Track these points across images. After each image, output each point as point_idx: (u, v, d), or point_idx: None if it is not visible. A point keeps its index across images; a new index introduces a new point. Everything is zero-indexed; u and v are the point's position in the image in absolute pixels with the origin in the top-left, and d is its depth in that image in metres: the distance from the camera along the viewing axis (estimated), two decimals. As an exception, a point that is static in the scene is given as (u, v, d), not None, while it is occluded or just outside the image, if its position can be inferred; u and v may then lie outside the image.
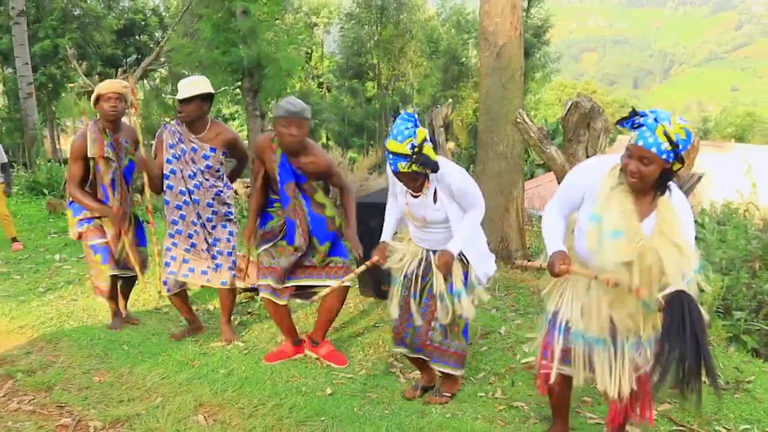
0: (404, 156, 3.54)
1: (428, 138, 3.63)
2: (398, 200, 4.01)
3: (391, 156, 3.59)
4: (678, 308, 2.67)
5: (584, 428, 3.73)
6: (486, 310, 5.67)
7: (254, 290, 6.05)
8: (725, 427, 3.74)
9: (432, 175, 3.74)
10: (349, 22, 36.50)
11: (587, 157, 5.48)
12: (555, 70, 32.67)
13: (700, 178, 5.07)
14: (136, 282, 5.49)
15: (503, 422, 3.80)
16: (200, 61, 14.55)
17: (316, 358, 4.73)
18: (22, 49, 16.13)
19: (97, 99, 4.96)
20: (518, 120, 6.13)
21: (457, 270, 3.86)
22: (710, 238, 6.99)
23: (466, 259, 3.89)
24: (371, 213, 5.23)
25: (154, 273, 5.59)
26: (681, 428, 3.72)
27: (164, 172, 4.79)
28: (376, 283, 5.82)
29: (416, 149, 3.53)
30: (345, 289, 4.64)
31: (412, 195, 3.84)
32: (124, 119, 5.17)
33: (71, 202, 5.19)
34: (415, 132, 3.55)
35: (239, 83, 15.31)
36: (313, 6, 42.49)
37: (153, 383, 4.14)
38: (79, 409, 3.78)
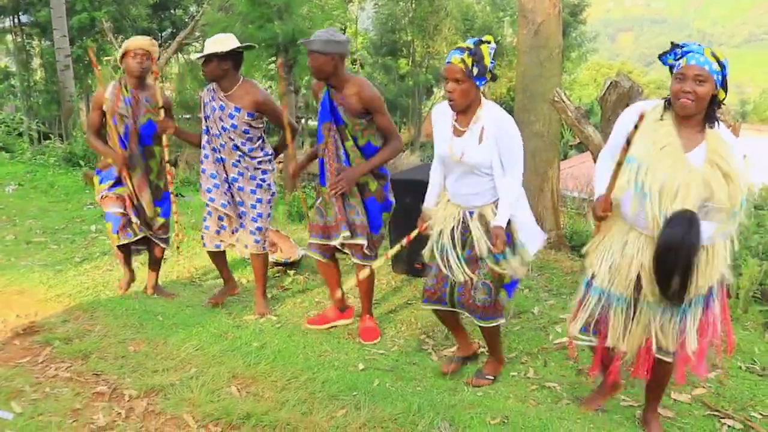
0: (462, 48, 3.54)
1: (491, 45, 3.60)
2: (440, 146, 3.86)
3: (451, 51, 3.59)
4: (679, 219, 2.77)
5: (617, 411, 3.70)
6: (519, 290, 5.65)
7: (286, 265, 6.08)
8: (761, 413, 3.70)
9: (482, 111, 3.66)
10: (383, -2, 36.31)
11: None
12: (591, 49, 32.28)
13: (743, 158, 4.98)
14: (164, 258, 5.55)
15: (535, 402, 3.78)
16: (235, 36, 14.54)
17: (349, 333, 4.75)
18: (60, 21, 16.26)
19: (124, 55, 4.99)
20: (556, 99, 6.06)
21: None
22: (748, 222, 6.88)
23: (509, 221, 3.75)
24: (404, 190, 5.22)
25: (182, 245, 5.64)
26: (715, 413, 3.68)
27: (203, 128, 4.90)
28: (409, 260, 5.81)
29: (477, 43, 3.54)
30: (365, 268, 4.53)
31: (456, 131, 3.75)
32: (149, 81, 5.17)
33: (98, 170, 5.27)
34: (484, 37, 3.60)
35: (274, 58, 15.29)
36: (348, -18, 42.29)
37: (187, 354, 4.18)
38: (114, 377, 3.83)
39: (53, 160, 12.78)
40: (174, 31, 28.26)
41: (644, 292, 3.07)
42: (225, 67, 4.73)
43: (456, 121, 3.76)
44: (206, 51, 4.68)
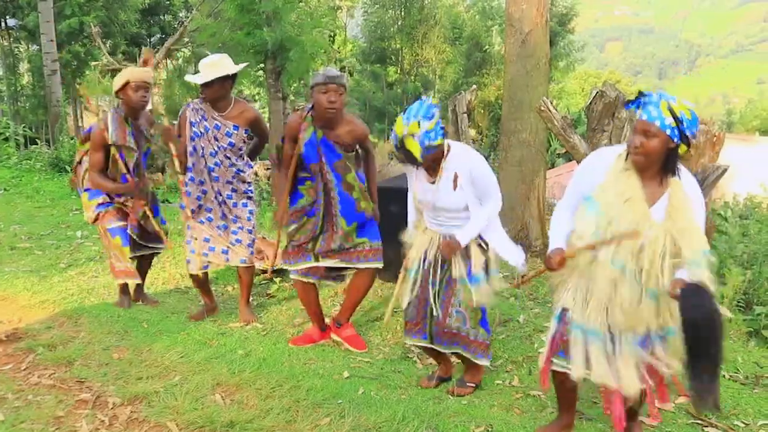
0: (397, 137, 3.58)
1: (417, 135, 3.51)
2: (414, 192, 3.94)
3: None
4: (697, 306, 2.67)
5: (601, 419, 3.71)
6: (505, 299, 5.66)
7: (273, 272, 6.07)
8: (743, 422, 3.71)
9: (448, 161, 3.70)
10: (372, 6, 36.29)
11: (611, 147, 5.43)
12: (579, 59, 32.37)
13: (724, 170, 5.01)
14: (152, 263, 5.53)
15: (520, 411, 3.79)
16: (224, 42, 14.57)
17: (334, 341, 4.74)
18: (47, 26, 16.20)
19: (124, 86, 4.90)
20: (542, 108, 6.08)
21: (477, 256, 3.81)
22: (732, 231, 6.93)
23: (485, 245, 3.84)
24: (391, 198, 5.22)
25: (167, 251, 5.61)
26: (699, 422, 3.70)
27: (188, 149, 4.81)
28: (393, 267, 5.80)
29: (399, 142, 3.57)
30: (373, 272, 4.65)
31: (427, 181, 3.80)
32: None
33: (87, 188, 5.22)
34: (408, 125, 3.52)
35: (262, 65, 15.29)
36: (337, -11, 42.35)
37: (171, 361, 4.18)
38: (98, 384, 3.82)
39: (39, 165, 12.74)
40: (163, 36, 28.21)
41: (617, 327, 3.02)
42: (227, 88, 4.76)
43: (425, 172, 3.82)
44: (211, 75, 4.64)
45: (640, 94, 2.88)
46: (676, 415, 3.76)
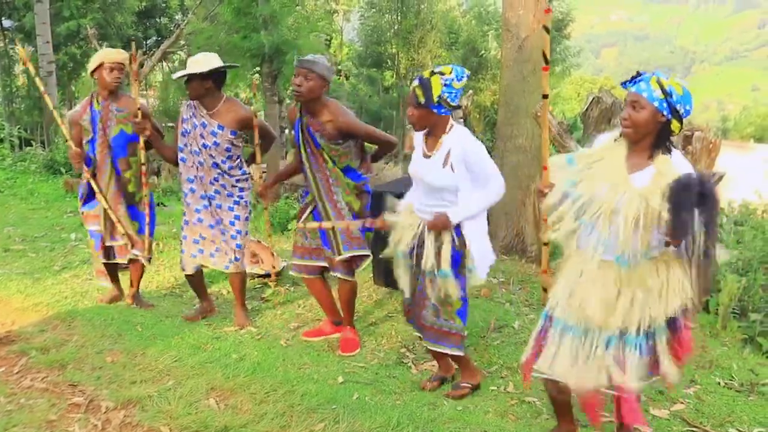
0: (420, 77, 3.63)
1: (448, 78, 3.60)
2: (412, 164, 3.95)
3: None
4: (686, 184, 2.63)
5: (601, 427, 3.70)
6: (500, 304, 5.66)
7: (267, 276, 6.05)
8: (738, 429, 3.72)
9: (447, 136, 3.72)
10: (369, 10, 36.34)
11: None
12: (575, 64, 32.45)
13: (721, 177, 5.02)
14: (145, 269, 5.51)
15: (515, 417, 3.78)
16: (220, 46, 14.55)
17: (328, 345, 4.73)
18: (43, 28, 16.17)
19: (98, 67, 4.96)
20: (539, 113, 6.08)
21: (446, 251, 3.76)
22: (727, 238, 6.93)
23: (463, 242, 3.78)
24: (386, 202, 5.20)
25: (162, 255, 5.59)
26: (694, 429, 3.69)
27: (179, 145, 4.86)
28: (387, 272, 5.79)
29: (431, 74, 3.61)
30: (348, 282, 4.67)
31: (423, 155, 3.81)
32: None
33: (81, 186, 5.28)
34: (442, 68, 3.62)
35: (258, 68, 15.30)
36: (333, -8, 42.38)
37: (165, 365, 4.16)
38: (91, 388, 3.80)
39: (34, 167, 12.71)
40: (159, 39, 28.16)
41: (592, 321, 2.97)
42: (207, 86, 4.73)
43: (425, 144, 3.84)
44: (187, 71, 4.67)
45: (637, 73, 2.91)
46: (671, 423, 3.76)
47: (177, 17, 29.06)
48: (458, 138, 3.71)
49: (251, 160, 5.14)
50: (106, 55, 4.98)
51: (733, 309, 5.55)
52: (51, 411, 3.52)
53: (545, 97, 3.18)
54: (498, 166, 7.35)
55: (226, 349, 4.47)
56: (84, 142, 5.08)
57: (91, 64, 5.01)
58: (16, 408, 3.54)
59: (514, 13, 7.73)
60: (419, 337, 4.19)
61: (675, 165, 2.82)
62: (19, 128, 16.14)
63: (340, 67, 38.28)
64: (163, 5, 29.06)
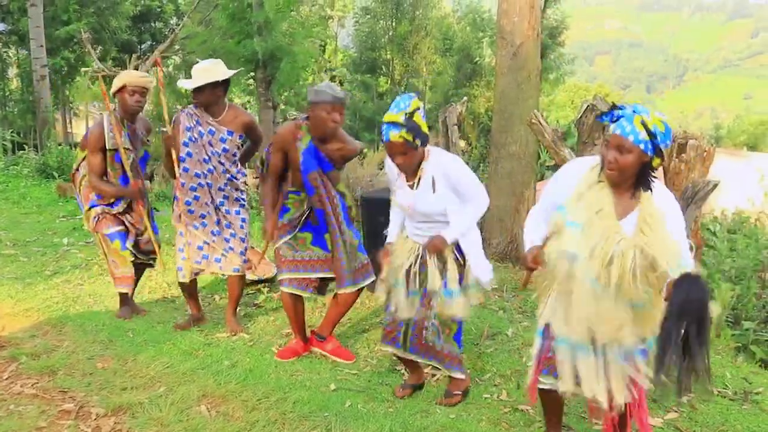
0: (396, 124, 3.53)
1: (420, 109, 3.60)
2: (395, 194, 3.94)
3: (385, 127, 3.59)
4: (683, 287, 2.62)
5: (590, 434, 3.70)
6: (493, 312, 5.64)
7: (260, 282, 6.03)
8: (732, 438, 3.70)
9: (427, 163, 3.71)
10: (364, 16, 36.44)
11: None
12: (569, 72, 32.52)
13: (715, 185, 5.02)
14: (142, 273, 5.48)
15: (508, 425, 3.77)
16: (214, 50, 14.55)
17: (321, 354, 4.70)
18: (37, 32, 16.15)
19: (120, 89, 4.91)
20: (533, 120, 6.09)
21: (452, 270, 3.80)
22: (720, 246, 6.94)
23: (462, 259, 3.83)
24: (378, 209, 5.19)
25: (162, 258, 5.54)
26: (688, 438, 3.68)
27: (181, 155, 4.77)
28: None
29: (408, 116, 3.53)
30: (360, 288, 4.65)
31: (407, 185, 3.80)
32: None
33: (92, 202, 5.14)
34: (409, 103, 3.56)
35: (252, 74, 15.30)
36: (328, -1, 42.46)
37: (157, 372, 4.13)
38: (81, 395, 3.77)
39: (27, 171, 12.65)
40: (153, 43, 28.16)
41: (598, 339, 2.99)
42: (219, 94, 4.74)
43: (403, 174, 3.82)
44: (202, 81, 4.63)
45: (614, 107, 2.86)
46: (664, 431, 3.74)
47: (172, 22, 29.07)
48: (437, 162, 3.72)
49: (244, 160, 5.12)
50: (129, 77, 4.92)
51: (727, 317, 5.55)
52: (41, 417, 3.48)
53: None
54: (492, 173, 7.39)
55: (218, 356, 4.45)
56: (125, 165, 5.01)
57: (114, 86, 4.94)
58: (5, 414, 3.50)
59: (509, 20, 7.74)
60: (395, 355, 4.14)
61: (659, 205, 2.84)
62: (11, 132, 16.06)
63: (334, 73, 38.32)
64: (158, 10, 29.09)
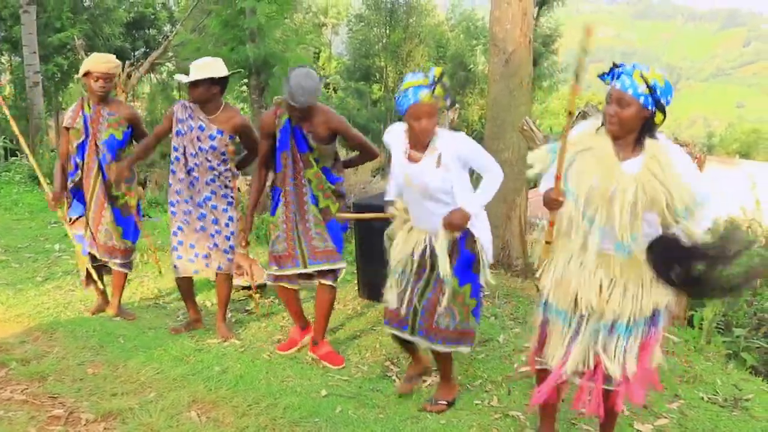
0: (425, 85, 3.50)
1: (444, 73, 3.59)
2: (397, 172, 3.87)
3: (410, 90, 3.51)
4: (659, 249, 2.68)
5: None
6: (485, 318, 5.64)
7: (256, 287, 6.03)
8: (722, 445, 3.71)
9: (436, 140, 3.66)
10: (357, 23, 36.53)
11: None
12: (563, 79, 32.58)
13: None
14: (128, 280, 5.49)
15: (498, 431, 3.77)
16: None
17: (313, 359, 4.70)
18: (30, 38, 16.11)
19: (86, 74, 4.98)
20: (524, 127, 6.11)
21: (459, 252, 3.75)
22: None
23: (473, 239, 3.76)
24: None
25: (147, 266, 5.53)
26: (677, 444, 3.69)
27: (174, 144, 4.84)
28: (372, 286, 5.77)
29: (436, 77, 3.51)
30: (333, 290, 4.68)
31: (411, 158, 3.73)
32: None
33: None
34: (432, 70, 3.55)
35: (246, 80, 15.30)
36: (321, 6, 42.51)
37: (147, 377, 4.13)
38: (71, 400, 3.76)
39: (19, 177, 12.60)
40: (147, 50, 28.11)
41: (581, 307, 3.03)
42: (214, 92, 4.74)
43: (411, 149, 3.76)
44: (199, 75, 4.63)
45: (614, 65, 2.93)
46: (654, 437, 3.75)
47: (165, 28, 29.03)
48: (448, 140, 3.67)
49: (242, 165, 5.14)
50: (94, 64, 4.96)
51: (717, 324, 5.57)
52: (30, 423, 3.48)
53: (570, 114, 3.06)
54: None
55: (209, 362, 4.44)
56: (74, 145, 5.07)
57: (81, 70, 5.02)
58: (-6, 420, 3.50)
59: (501, 27, 7.77)
60: (396, 337, 4.05)
61: (664, 147, 2.88)
62: (4, 138, 16.00)
63: (328, 81, 38.34)
64: (152, 17, 29.03)
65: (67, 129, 5.12)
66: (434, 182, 3.65)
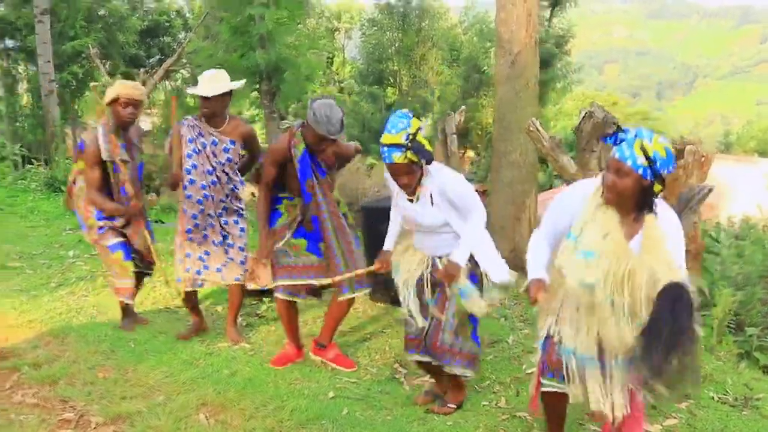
0: (399, 146, 3.52)
1: (422, 128, 3.60)
2: (397, 206, 3.98)
3: (386, 149, 3.56)
4: (669, 295, 2.67)
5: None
6: (494, 319, 5.65)
7: (263, 293, 6.05)
8: (731, 444, 3.70)
9: (426, 179, 3.72)
10: (371, 28, 36.53)
11: (600, 168, 5.44)
12: (576, 80, 32.44)
13: (710, 191, 5.02)
14: (143, 283, 5.49)
15: (505, 432, 3.77)
16: (219, 64, 14.65)
17: (321, 362, 4.72)
18: (44, 47, 16.27)
19: (114, 100, 4.86)
20: (531, 128, 6.10)
21: (465, 271, 3.79)
22: (726, 252, 6.93)
23: (474, 262, 3.82)
24: (379, 218, 5.20)
25: (164, 270, 5.55)
26: (685, 444, 3.68)
27: (185, 166, 4.77)
28: (390, 288, 5.77)
29: (411, 137, 3.52)
30: (353, 301, 4.72)
31: (407, 199, 3.81)
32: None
33: (99, 213, 5.10)
34: (409, 123, 3.55)
35: (257, 86, 15.38)
36: (334, 11, 42.64)
37: (156, 381, 4.17)
38: (82, 404, 3.81)
39: (35, 185, 12.71)
40: (162, 57, 28.30)
41: (607, 352, 3.04)
42: (226, 103, 4.77)
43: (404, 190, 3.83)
44: (219, 89, 4.63)
45: (618, 129, 2.88)
46: (662, 437, 3.74)
47: (180, 36, 29.22)
48: (435, 178, 3.73)
49: (243, 171, 5.12)
50: (122, 89, 4.84)
51: (729, 323, 5.54)
52: (41, 426, 3.53)
53: None
54: (493, 181, 7.40)
55: (218, 365, 4.47)
56: (126, 172, 4.98)
57: (107, 96, 4.89)
58: (6, 423, 3.54)
59: (507, 28, 7.75)
60: (418, 362, 4.09)
61: (661, 226, 2.88)
62: (20, 146, 16.15)
63: (342, 85, 38.43)
64: (167, 24, 29.23)
65: (100, 163, 4.90)
66: (428, 220, 3.76)
